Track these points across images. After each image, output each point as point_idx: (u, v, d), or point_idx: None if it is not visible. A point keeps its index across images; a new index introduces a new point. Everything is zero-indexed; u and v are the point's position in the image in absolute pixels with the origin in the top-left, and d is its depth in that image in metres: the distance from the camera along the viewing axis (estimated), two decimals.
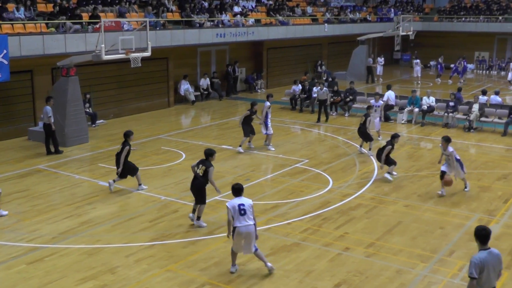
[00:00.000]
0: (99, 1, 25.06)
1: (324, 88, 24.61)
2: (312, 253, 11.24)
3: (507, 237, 12.10)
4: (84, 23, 22.40)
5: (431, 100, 24.22)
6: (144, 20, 21.18)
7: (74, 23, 21.78)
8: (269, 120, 19.12)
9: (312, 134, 22.52)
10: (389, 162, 15.96)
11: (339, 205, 14.02)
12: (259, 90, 33.34)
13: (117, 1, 25.51)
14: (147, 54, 20.06)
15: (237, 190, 10.18)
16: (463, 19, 45.40)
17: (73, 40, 21.19)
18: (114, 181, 15.00)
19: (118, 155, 14.73)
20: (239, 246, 10.14)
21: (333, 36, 38.50)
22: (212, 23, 28.85)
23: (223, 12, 30.43)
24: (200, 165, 12.45)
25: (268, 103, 19.15)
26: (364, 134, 18.60)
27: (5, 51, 18.49)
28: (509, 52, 44.43)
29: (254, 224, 10.08)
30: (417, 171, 16.95)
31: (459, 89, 26.06)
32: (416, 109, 24.00)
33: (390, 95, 24.70)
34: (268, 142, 19.40)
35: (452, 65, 39.67)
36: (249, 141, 19.32)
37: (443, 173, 14.46)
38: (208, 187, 12.49)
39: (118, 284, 9.94)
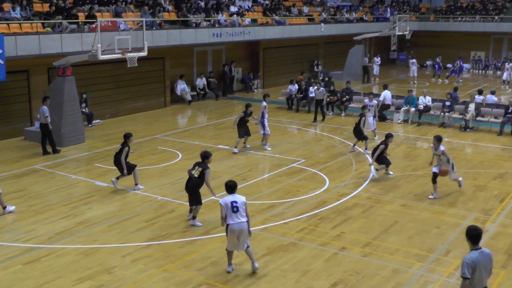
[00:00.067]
0: (95, 1, 25.03)
1: (321, 88, 24.63)
2: (308, 253, 11.25)
3: (503, 236, 12.14)
4: (80, 23, 22.36)
5: (428, 100, 24.28)
6: (140, 20, 21.14)
7: (70, 23, 21.74)
8: (265, 120, 19.13)
9: (309, 133, 22.54)
10: (382, 161, 15.99)
11: (336, 204, 14.03)
12: (255, 90, 33.34)
13: (113, 1, 25.48)
14: (144, 54, 20.04)
15: (231, 188, 10.18)
16: (459, 19, 45.50)
17: (69, 40, 21.17)
18: (117, 178, 15.09)
19: (117, 156, 14.76)
20: (233, 243, 10.14)
21: (330, 36, 38.54)
22: (208, 23, 28.84)
23: (220, 12, 30.42)
24: (196, 167, 12.46)
25: (264, 103, 19.17)
26: (359, 134, 18.71)
27: (1, 51, 18.48)
28: (505, 52, 44.53)
29: (247, 221, 10.07)
30: (414, 170, 16.98)
31: (455, 89, 26.13)
32: (413, 109, 24.04)
33: (386, 94, 24.74)
34: (265, 142, 19.40)
35: (448, 65, 39.84)
36: (244, 142, 19.31)
37: (435, 175, 14.45)
38: (203, 187, 12.50)
39: (114, 284, 9.93)
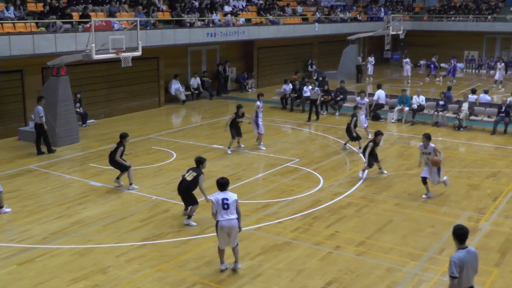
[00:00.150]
0: (90, 1, 25.00)
1: (316, 88, 24.70)
2: (303, 252, 11.28)
3: (496, 235, 12.20)
4: (74, 22, 22.32)
5: (421, 99, 24.37)
6: (134, 20, 21.12)
7: (64, 23, 21.70)
8: (259, 120, 19.13)
9: (303, 133, 22.58)
10: (374, 159, 16.01)
11: (330, 204, 14.07)
12: (249, 90, 33.37)
13: (107, 1, 25.45)
14: (138, 53, 20.01)
15: (222, 185, 10.20)
16: (453, 18, 45.64)
17: (64, 40, 21.13)
18: (118, 178, 15.20)
19: (112, 155, 14.83)
20: (224, 240, 10.17)
21: (324, 36, 38.59)
22: (202, 22, 28.84)
23: (214, 11, 30.42)
24: (190, 171, 12.50)
25: (258, 103, 19.18)
26: (350, 133, 18.82)
27: None
28: (498, 51, 44.70)
29: (237, 219, 10.09)
30: (407, 169, 17.03)
31: (449, 88, 26.21)
32: (406, 108, 24.12)
33: (380, 94, 24.80)
34: (259, 141, 19.43)
35: (443, 65, 39.99)
36: (238, 142, 19.29)
37: (424, 179, 14.46)
38: (196, 190, 12.54)
39: (109, 284, 9.93)
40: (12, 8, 20.97)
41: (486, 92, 25.40)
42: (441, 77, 37.75)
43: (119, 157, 14.77)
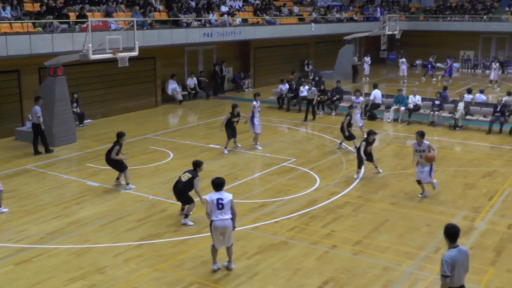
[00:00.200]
0: (86, 1, 24.99)
1: (313, 88, 24.76)
2: (299, 251, 11.33)
3: (492, 234, 12.26)
4: (71, 22, 22.33)
5: (417, 99, 24.44)
6: (131, 20, 21.14)
7: (61, 23, 21.70)
8: (255, 119, 19.14)
9: (299, 133, 22.63)
10: (368, 158, 16.06)
11: (326, 203, 14.12)
12: (246, 90, 33.41)
13: (104, 1, 25.45)
14: (135, 53, 20.02)
15: (218, 185, 10.21)
16: (449, 18, 45.76)
17: (60, 40, 21.13)
18: (118, 178, 15.30)
19: (108, 154, 14.89)
20: (219, 240, 10.21)
21: (320, 36, 38.66)
22: (199, 22, 28.86)
23: (210, 11, 30.46)
24: (186, 173, 12.53)
25: (254, 102, 19.21)
26: (344, 133, 18.92)
27: None
28: (494, 51, 44.83)
29: (231, 219, 10.12)
30: (404, 169, 17.09)
31: (445, 88, 26.29)
32: (402, 108, 24.19)
33: (376, 94, 24.87)
34: (256, 141, 19.46)
35: (439, 64, 40.08)
36: (235, 142, 19.30)
37: (419, 181, 14.53)
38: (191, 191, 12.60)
39: (106, 284, 9.96)
40: (9, 8, 20.97)
41: (481, 91, 25.51)
42: (439, 77, 37.80)
43: (115, 155, 14.81)
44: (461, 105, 22.96)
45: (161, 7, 28.19)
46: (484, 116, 22.93)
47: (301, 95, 26.10)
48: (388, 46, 43.22)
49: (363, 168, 16.40)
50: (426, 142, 14.27)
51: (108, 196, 14.63)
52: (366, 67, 38.47)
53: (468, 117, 23.03)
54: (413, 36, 45.50)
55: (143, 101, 27.15)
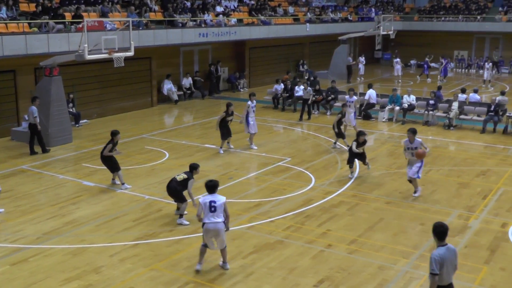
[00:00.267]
0: (82, 1, 25.00)
1: (308, 88, 24.84)
2: (295, 251, 11.38)
3: (486, 233, 12.35)
4: (67, 22, 22.32)
5: (412, 99, 24.54)
6: (127, 20, 21.15)
7: (57, 23, 21.70)
8: (250, 119, 19.16)
9: (295, 132, 22.70)
10: (350, 158, 16.10)
11: (322, 202, 14.18)
12: (241, 90, 33.46)
13: (99, 1, 25.46)
14: (130, 53, 20.06)
15: (211, 187, 10.23)
16: (443, 18, 45.90)
17: (56, 40, 21.13)
18: (113, 178, 15.37)
19: (102, 152, 14.98)
20: (211, 243, 10.23)
21: (315, 36, 38.73)
22: (194, 23, 28.89)
23: (206, 12, 30.48)
24: (182, 174, 12.58)
25: (249, 102, 19.25)
26: (334, 129, 19.08)
27: None
28: (487, 51, 45.01)
29: (224, 222, 10.13)
30: (398, 168, 17.16)
31: (439, 88, 26.40)
32: (397, 108, 24.29)
33: (371, 93, 24.95)
34: (251, 141, 19.50)
35: (433, 64, 40.19)
36: (228, 142, 19.26)
37: (410, 181, 14.59)
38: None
39: (102, 284, 9.99)
40: (4, 8, 20.96)
41: (475, 91, 25.66)
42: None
43: (107, 152, 14.88)
44: (455, 105, 23.07)
45: (156, 7, 28.21)
46: (478, 116, 23.05)
47: (296, 95, 26.18)
48: (382, 46, 43.38)
49: (357, 168, 16.48)
50: (418, 139, 14.30)
51: (104, 196, 14.65)
52: (361, 67, 38.56)
53: (462, 116, 23.14)
54: (408, 36, 45.64)
55: (138, 101, 27.17)
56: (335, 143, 19.59)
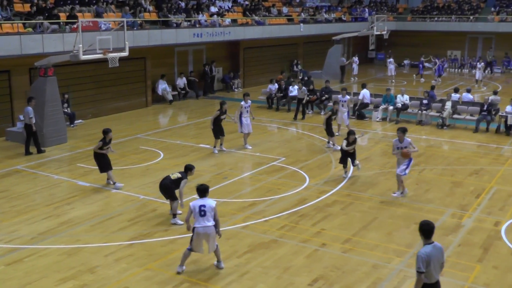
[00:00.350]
0: (77, 1, 24.98)
1: (303, 88, 24.92)
2: (289, 250, 11.44)
3: (479, 231, 12.44)
4: (61, 23, 22.29)
5: (405, 98, 24.65)
6: (121, 20, 21.14)
7: (51, 23, 21.67)
8: (243, 119, 19.16)
9: (289, 132, 22.76)
10: (345, 158, 16.17)
11: (316, 202, 14.24)
12: (236, 90, 33.49)
13: (94, 1, 25.45)
14: (125, 54, 20.05)
15: (201, 191, 10.28)
16: (436, 18, 46.06)
17: (51, 40, 21.10)
18: (108, 179, 15.42)
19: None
20: (198, 245, 10.25)
21: (309, 36, 38.80)
22: (189, 23, 28.92)
23: (200, 12, 30.51)
24: (177, 173, 12.62)
25: (243, 102, 19.28)
26: (327, 129, 19.26)
27: None
28: (480, 51, 45.21)
29: (214, 226, 10.15)
30: (392, 167, 17.16)
31: (432, 87, 26.51)
32: (391, 107, 24.38)
33: (365, 93, 25.04)
34: (245, 141, 19.54)
35: (427, 64, 40.32)
36: (221, 144, 19.19)
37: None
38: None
39: (97, 284, 10.01)
40: None
41: (468, 91, 25.79)
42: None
43: (97, 148, 14.95)
44: (448, 104, 23.19)
45: (151, 8, 28.20)
46: (471, 115, 23.17)
47: (291, 94, 26.25)
48: (376, 46, 43.56)
49: (351, 167, 16.55)
50: (407, 139, 14.27)
51: (98, 196, 14.67)
52: (355, 67, 38.67)
53: (455, 116, 23.26)
54: (401, 36, 45.80)
55: (133, 101, 27.17)
56: (328, 142, 19.68)
